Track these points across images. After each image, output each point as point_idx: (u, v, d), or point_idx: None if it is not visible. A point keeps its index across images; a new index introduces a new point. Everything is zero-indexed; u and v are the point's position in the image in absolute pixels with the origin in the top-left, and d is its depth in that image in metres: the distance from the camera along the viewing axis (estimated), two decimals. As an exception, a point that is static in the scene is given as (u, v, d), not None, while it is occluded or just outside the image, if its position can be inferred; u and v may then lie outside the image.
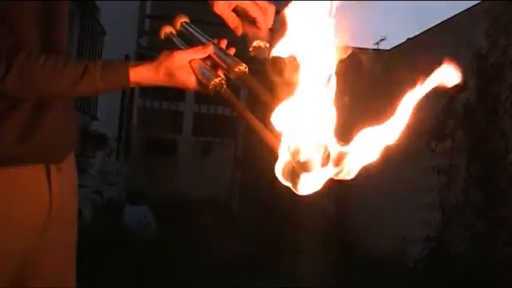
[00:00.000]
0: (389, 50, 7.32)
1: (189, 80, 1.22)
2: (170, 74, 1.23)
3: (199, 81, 1.21)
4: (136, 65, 1.24)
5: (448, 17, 5.03)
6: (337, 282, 4.93)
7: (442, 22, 5.16)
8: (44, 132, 1.30)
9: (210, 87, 1.18)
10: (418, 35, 5.72)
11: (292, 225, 7.24)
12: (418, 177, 5.13)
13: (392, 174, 5.82)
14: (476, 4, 4.52)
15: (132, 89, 10.64)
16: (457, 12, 4.85)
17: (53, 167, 1.37)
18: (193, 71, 1.21)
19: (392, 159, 4.81)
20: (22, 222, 1.33)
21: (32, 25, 1.28)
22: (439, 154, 4.49)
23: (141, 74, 1.24)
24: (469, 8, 4.63)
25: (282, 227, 7.15)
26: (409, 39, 6.05)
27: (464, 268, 3.93)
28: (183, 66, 1.22)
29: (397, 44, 6.57)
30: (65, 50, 1.38)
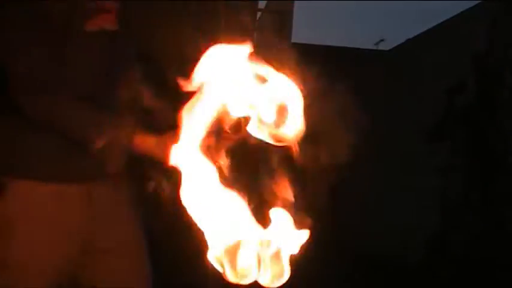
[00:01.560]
0: (388, 50, 7.32)
1: None
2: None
3: None
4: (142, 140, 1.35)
5: (448, 17, 5.02)
6: (336, 283, 4.92)
7: (441, 23, 5.16)
8: (83, 155, 1.35)
9: None
10: (418, 35, 5.72)
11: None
12: (417, 177, 5.12)
13: (392, 174, 5.82)
14: (476, 4, 4.52)
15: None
16: (456, 12, 4.85)
17: (94, 184, 1.45)
18: None
19: (392, 159, 4.85)
20: (63, 233, 1.41)
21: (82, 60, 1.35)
22: (439, 154, 4.48)
23: (141, 149, 1.35)
24: (468, 9, 4.63)
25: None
26: (408, 39, 6.05)
27: (465, 269, 3.92)
28: None
29: (396, 44, 6.56)
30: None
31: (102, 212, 1.48)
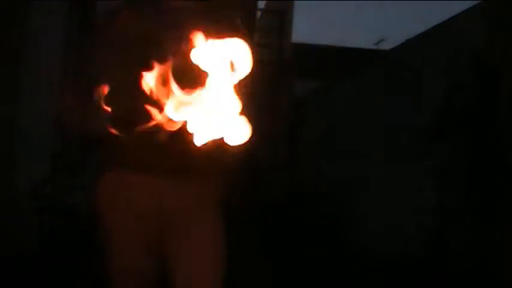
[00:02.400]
0: (388, 50, 7.33)
1: None
2: None
3: None
4: None
5: (447, 17, 5.02)
6: (336, 283, 4.93)
7: (441, 22, 5.16)
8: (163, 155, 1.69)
9: None
10: (418, 35, 5.72)
11: (291, 225, 7.24)
12: (416, 177, 5.13)
13: (392, 174, 5.82)
14: (476, 4, 4.52)
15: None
16: (456, 12, 4.85)
17: (166, 179, 1.80)
18: None
19: (391, 159, 4.84)
20: (141, 210, 1.83)
21: None
22: (438, 155, 4.49)
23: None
24: (468, 9, 4.63)
25: (280, 225, 7.14)
26: (408, 39, 6.05)
27: (464, 269, 3.93)
28: None
29: (396, 44, 6.56)
30: None
31: (174, 199, 1.84)
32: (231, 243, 1.91)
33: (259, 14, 13.40)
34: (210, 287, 1.83)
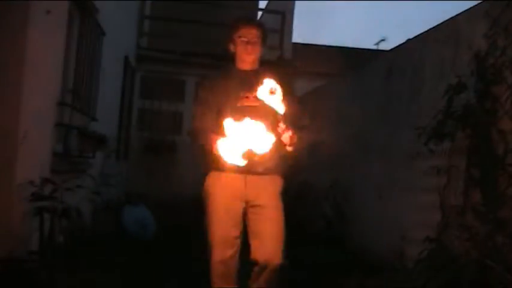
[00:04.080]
0: (389, 50, 7.32)
1: None
2: None
3: None
4: None
5: (448, 17, 5.02)
6: (336, 283, 4.92)
7: (441, 23, 5.16)
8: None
9: None
10: (418, 35, 5.71)
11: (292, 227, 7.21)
12: (417, 177, 5.13)
13: (392, 174, 5.82)
14: (476, 5, 4.52)
15: (132, 89, 10.64)
16: (456, 13, 4.85)
17: (247, 176, 3.16)
18: None
19: (391, 159, 4.85)
20: (235, 196, 3.21)
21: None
22: (439, 155, 4.48)
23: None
24: (468, 9, 4.62)
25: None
26: (409, 39, 6.05)
27: (464, 270, 3.92)
28: None
29: (397, 44, 6.56)
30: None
31: (253, 188, 3.19)
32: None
33: (259, 14, 13.42)
34: (277, 244, 3.18)
